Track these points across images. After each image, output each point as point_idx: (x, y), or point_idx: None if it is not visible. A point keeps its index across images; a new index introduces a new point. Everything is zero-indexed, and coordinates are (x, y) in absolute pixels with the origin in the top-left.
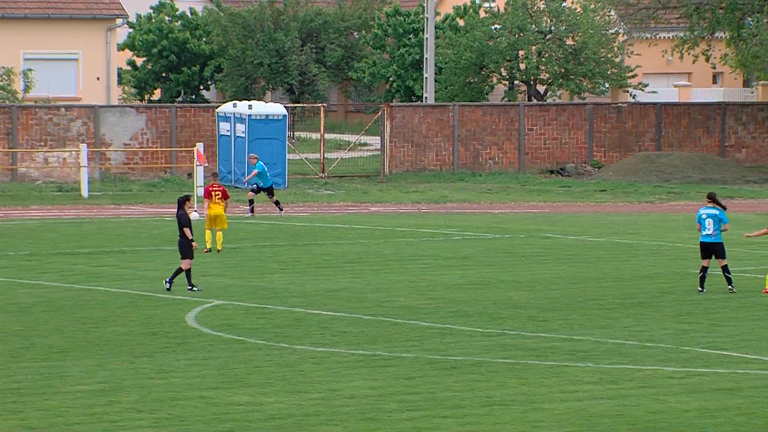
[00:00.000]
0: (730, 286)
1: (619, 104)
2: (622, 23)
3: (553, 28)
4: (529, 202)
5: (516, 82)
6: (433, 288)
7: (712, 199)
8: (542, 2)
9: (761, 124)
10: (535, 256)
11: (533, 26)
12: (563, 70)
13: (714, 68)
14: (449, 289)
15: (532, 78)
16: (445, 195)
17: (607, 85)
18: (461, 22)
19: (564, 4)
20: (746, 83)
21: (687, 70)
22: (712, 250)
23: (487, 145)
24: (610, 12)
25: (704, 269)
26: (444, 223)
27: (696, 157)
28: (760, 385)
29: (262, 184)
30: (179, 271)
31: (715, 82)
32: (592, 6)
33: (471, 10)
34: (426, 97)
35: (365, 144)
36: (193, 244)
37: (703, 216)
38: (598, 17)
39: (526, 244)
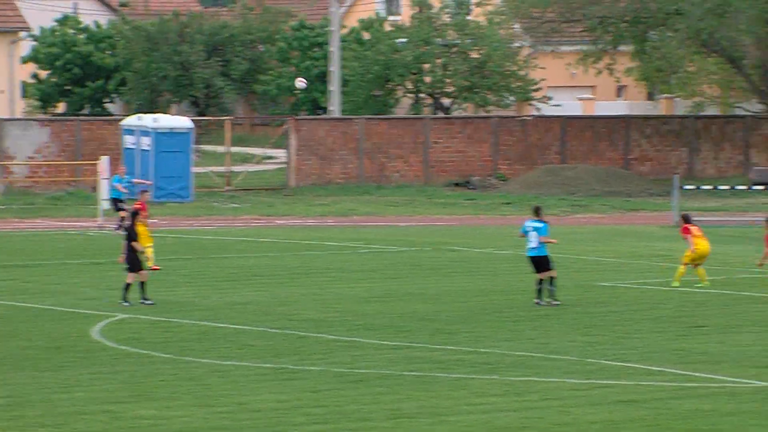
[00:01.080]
0: (554, 300)
1: (524, 117)
2: (526, 36)
3: (458, 41)
4: (435, 215)
5: (421, 95)
6: (340, 301)
7: (536, 212)
8: (447, 15)
9: (665, 137)
10: (441, 269)
11: (438, 39)
12: (468, 84)
13: (618, 81)
14: (356, 302)
15: (437, 91)
16: (352, 208)
17: (511, 98)
18: (367, 36)
19: (469, 17)
20: (650, 96)
21: (591, 83)
22: (539, 262)
23: (392, 158)
24: (514, 25)
25: (540, 282)
26: (350, 236)
27: (600, 170)
28: (664, 396)
29: (126, 192)
30: (127, 286)
31: (619, 95)
32: (497, 19)
33: (376, 24)
34: (331, 110)
35: (271, 157)
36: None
37: (529, 229)
38: (503, 30)
39: (432, 257)
